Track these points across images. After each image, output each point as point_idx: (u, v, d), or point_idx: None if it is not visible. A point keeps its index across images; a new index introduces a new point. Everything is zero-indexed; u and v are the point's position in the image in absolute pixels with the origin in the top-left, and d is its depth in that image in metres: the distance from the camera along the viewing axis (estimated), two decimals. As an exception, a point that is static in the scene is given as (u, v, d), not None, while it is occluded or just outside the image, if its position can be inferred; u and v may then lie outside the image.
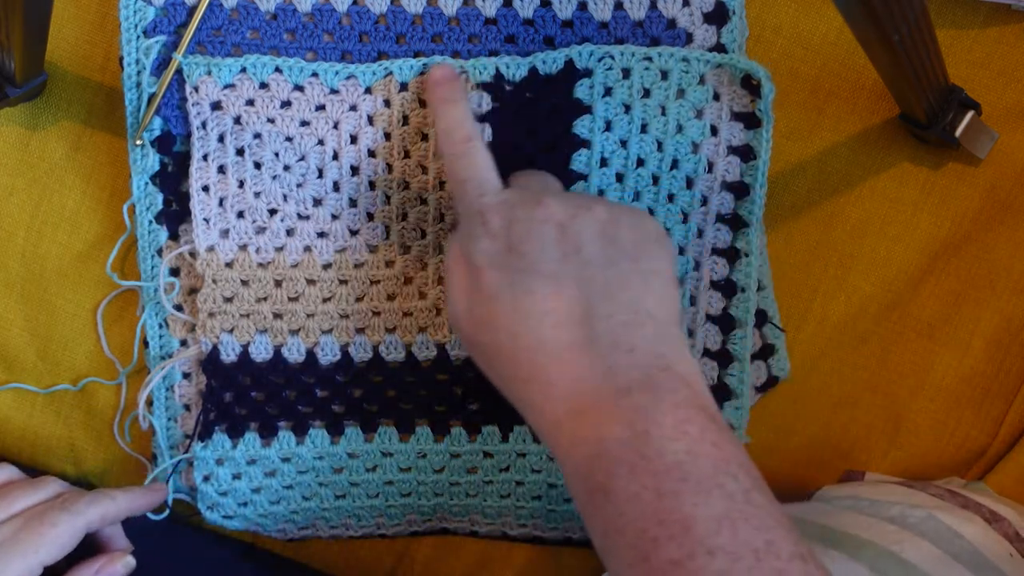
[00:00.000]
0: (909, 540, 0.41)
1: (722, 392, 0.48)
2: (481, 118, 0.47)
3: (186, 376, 0.50)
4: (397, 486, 0.50)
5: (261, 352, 0.49)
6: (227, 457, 0.49)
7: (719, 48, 0.47)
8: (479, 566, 0.52)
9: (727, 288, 0.48)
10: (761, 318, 0.49)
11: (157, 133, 0.48)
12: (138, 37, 0.47)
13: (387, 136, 0.48)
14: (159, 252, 0.49)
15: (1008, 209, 0.49)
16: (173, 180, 0.49)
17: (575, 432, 0.37)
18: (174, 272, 0.50)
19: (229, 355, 0.49)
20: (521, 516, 0.50)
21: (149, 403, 0.50)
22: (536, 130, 0.47)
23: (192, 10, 0.47)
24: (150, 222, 0.49)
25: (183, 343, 0.50)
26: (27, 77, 0.47)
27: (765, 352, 0.49)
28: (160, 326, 0.50)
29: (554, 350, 0.38)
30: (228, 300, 0.48)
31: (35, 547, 0.42)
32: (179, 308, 0.49)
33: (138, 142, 0.48)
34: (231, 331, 0.48)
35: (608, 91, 0.47)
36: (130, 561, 0.46)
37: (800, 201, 0.49)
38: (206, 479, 0.49)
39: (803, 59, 0.49)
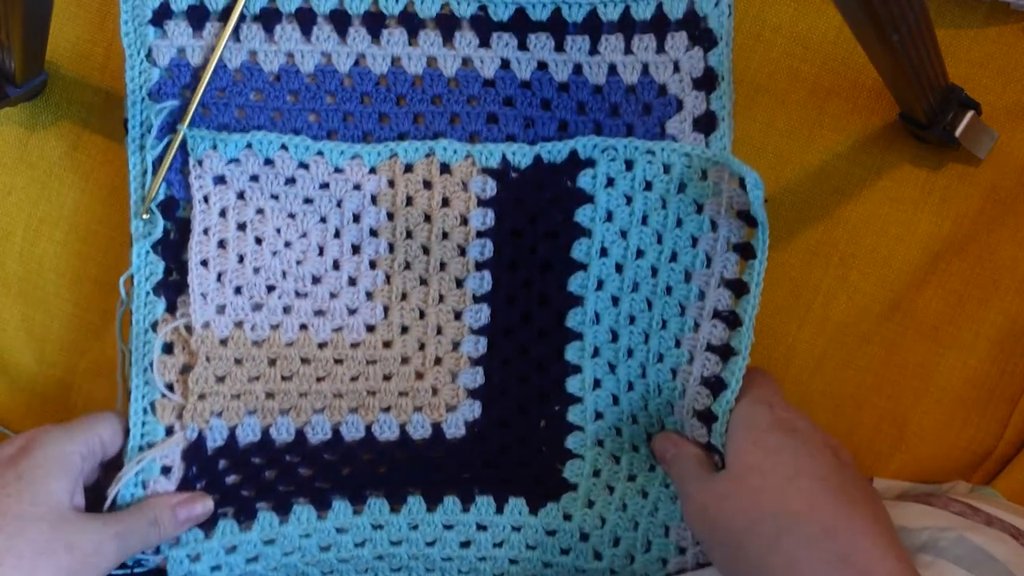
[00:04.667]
0: (944, 569, 0.41)
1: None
2: (485, 203, 0.47)
3: (165, 472, 0.46)
4: (388, 561, 0.48)
5: (248, 435, 0.47)
6: (202, 551, 0.46)
7: (709, 115, 0.47)
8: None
9: (716, 386, 0.45)
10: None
11: (160, 198, 0.47)
12: (143, 99, 0.46)
13: (390, 216, 0.47)
14: (154, 326, 0.46)
15: (1009, 209, 0.48)
16: (175, 247, 0.47)
17: None
18: (167, 348, 0.47)
19: (216, 440, 0.46)
20: None
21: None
22: (538, 217, 0.47)
23: (196, 71, 0.46)
24: (147, 293, 0.47)
25: (168, 431, 0.46)
26: (27, 77, 0.48)
27: None
28: (144, 411, 0.46)
29: None
30: (220, 380, 0.46)
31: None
32: (170, 387, 0.46)
33: (144, 216, 0.46)
34: (220, 414, 0.46)
35: (610, 182, 0.47)
36: (209, 504, 0.45)
37: (800, 201, 0.49)
38: None
39: (803, 58, 0.49)
